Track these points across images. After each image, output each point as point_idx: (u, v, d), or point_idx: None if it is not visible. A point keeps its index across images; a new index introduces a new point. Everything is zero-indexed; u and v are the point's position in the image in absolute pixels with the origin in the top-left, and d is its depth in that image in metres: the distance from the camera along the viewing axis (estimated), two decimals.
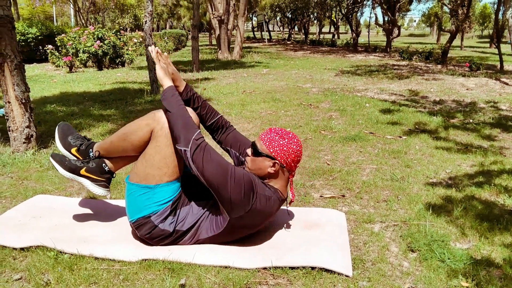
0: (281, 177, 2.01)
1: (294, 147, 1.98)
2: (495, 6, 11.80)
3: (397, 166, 3.28)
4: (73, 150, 2.20)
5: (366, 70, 10.45)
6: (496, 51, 11.13)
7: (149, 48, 2.17)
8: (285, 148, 1.96)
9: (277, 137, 1.97)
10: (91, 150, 2.18)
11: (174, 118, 1.93)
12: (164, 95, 2.01)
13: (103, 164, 2.15)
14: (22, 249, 1.98)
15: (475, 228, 2.25)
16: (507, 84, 7.99)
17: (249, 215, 1.90)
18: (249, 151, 2.04)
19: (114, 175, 2.22)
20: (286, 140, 1.97)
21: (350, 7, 22.70)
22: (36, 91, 6.99)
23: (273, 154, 1.96)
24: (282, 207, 2.22)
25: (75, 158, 2.18)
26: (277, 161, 1.96)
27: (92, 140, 2.29)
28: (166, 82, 2.07)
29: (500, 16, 10.98)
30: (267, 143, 1.97)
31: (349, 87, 7.55)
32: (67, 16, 36.47)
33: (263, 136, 2.00)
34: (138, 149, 2.05)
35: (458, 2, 12.25)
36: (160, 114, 2.01)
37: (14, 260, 1.92)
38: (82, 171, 2.12)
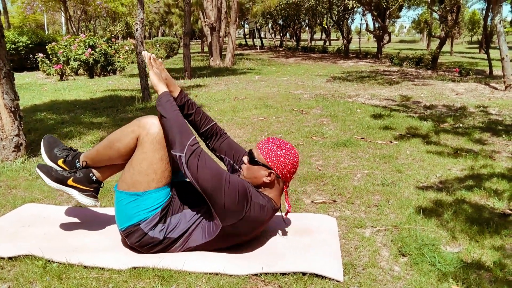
0: (276, 187, 2.01)
1: (291, 158, 1.97)
2: (484, 12, 11.94)
3: (388, 171, 3.29)
4: (60, 161, 2.17)
5: (357, 76, 10.51)
6: (485, 56, 11.26)
7: (143, 53, 2.15)
8: (282, 159, 1.96)
9: (275, 147, 1.97)
10: (77, 160, 2.16)
11: (169, 123, 1.92)
12: (159, 101, 2.00)
13: (91, 174, 2.13)
14: (10, 258, 1.96)
15: (465, 231, 2.26)
16: (496, 89, 8.08)
17: (242, 223, 1.89)
18: (245, 159, 2.03)
19: (102, 185, 2.19)
20: (284, 150, 1.97)
21: (341, 14, 22.87)
22: (27, 100, 6.95)
23: (270, 164, 1.95)
24: (277, 215, 2.21)
25: (62, 169, 2.16)
26: (273, 171, 1.96)
27: (79, 150, 2.27)
28: (160, 88, 2.06)
29: (489, 22, 11.10)
30: (265, 153, 1.96)
31: (340, 93, 7.59)
32: (59, 24, 36.39)
33: (260, 145, 2.00)
34: (125, 157, 2.03)
35: (447, 8, 12.39)
36: (145, 120, 1.99)
37: (2, 269, 1.90)
38: (69, 181, 2.09)
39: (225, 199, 1.83)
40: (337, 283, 1.80)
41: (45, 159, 2.19)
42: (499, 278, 1.83)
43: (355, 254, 2.06)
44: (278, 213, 2.22)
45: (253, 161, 1.99)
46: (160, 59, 2.17)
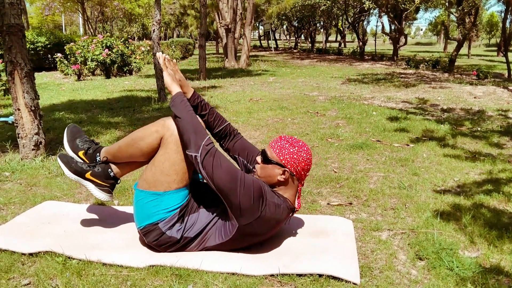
0: (291, 186, 2.01)
1: (304, 155, 1.97)
2: (503, 14, 11.78)
3: (405, 174, 3.27)
4: (81, 153, 2.20)
5: (372, 78, 10.45)
6: (503, 59, 11.10)
7: (157, 54, 2.17)
8: (295, 156, 1.95)
9: (287, 145, 1.97)
10: (98, 154, 2.19)
11: (184, 124, 1.93)
12: (173, 102, 2.02)
13: (109, 170, 2.16)
14: (30, 254, 2.00)
15: (483, 236, 2.24)
16: None
17: (258, 223, 1.90)
18: (258, 158, 2.03)
19: (118, 181, 2.22)
20: (296, 148, 1.97)
21: (356, 16, 22.75)
22: (45, 99, 7.06)
23: (283, 162, 1.95)
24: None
25: (82, 161, 2.20)
26: (287, 169, 1.96)
27: (100, 144, 2.30)
28: (174, 89, 2.08)
29: (507, 24, 10.97)
30: (277, 151, 1.96)
31: (356, 95, 7.56)
32: (76, 25, 36.91)
33: (273, 144, 2.00)
34: (147, 156, 2.06)
35: (465, 10, 12.24)
36: (170, 122, 2.01)
37: (23, 265, 1.93)
38: (87, 175, 2.13)
39: (240, 198, 1.84)
40: (354, 285, 1.79)
41: (66, 148, 2.23)
42: None
43: (372, 257, 2.05)
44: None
45: (266, 160, 1.99)
46: (174, 60, 2.20)
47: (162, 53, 2.16)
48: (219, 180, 1.84)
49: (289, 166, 1.96)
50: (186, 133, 1.92)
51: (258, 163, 2.03)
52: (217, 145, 2.32)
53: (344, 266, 1.89)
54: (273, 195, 1.94)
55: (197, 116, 2.07)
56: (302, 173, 1.99)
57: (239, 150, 2.28)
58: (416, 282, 1.84)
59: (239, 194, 1.83)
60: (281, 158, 1.96)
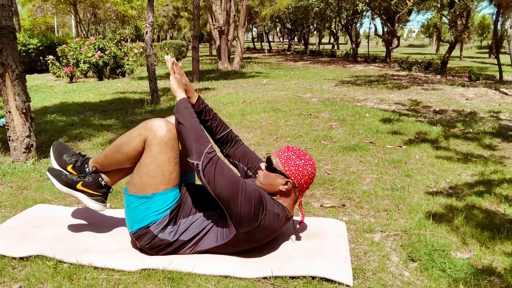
0: (291, 197, 2.02)
1: (310, 169, 1.98)
2: (494, 16, 11.89)
3: (397, 175, 3.28)
4: (69, 167, 2.18)
5: (365, 80, 10.49)
6: (495, 61, 11.19)
7: (166, 57, 2.15)
8: (300, 169, 1.96)
9: (294, 157, 1.97)
10: (86, 165, 2.18)
11: (187, 130, 1.92)
12: (177, 108, 2.01)
13: (100, 179, 2.14)
14: (21, 258, 1.98)
15: (476, 237, 2.25)
16: (506, 94, 8.02)
17: (256, 231, 1.90)
18: (263, 165, 2.03)
19: (110, 190, 2.21)
20: (303, 161, 1.97)
21: (349, 18, 22.84)
22: (37, 101, 7.01)
23: (288, 173, 1.96)
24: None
25: (71, 174, 2.18)
26: (290, 180, 1.96)
27: (88, 152, 2.28)
28: (179, 94, 2.07)
29: (499, 26, 11.06)
30: (283, 161, 1.97)
31: (349, 97, 7.58)
32: (68, 27, 36.74)
33: (280, 153, 2.00)
34: (133, 160, 2.04)
35: (457, 13, 12.33)
36: (151, 123, 2.00)
37: (13, 269, 1.91)
38: (79, 186, 2.11)
39: (241, 207, 1.83)
40: (347, 287, 1.79)
41: (54, 165, 2.21)
42: (510, 285, 1.82)
43: (365, 258, 2.05)
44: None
45: (271, 168, 1.99)
46: (180, 64, 2.18)
47: (170, 56, 2.14)
48: (220, 188, 1.83)
49: (292, 178, 1.96)
50: (188, 140, 1.91)
51: (262, 170, 2.03)
52: (218, 151, 2.32)
53: (337, 268, 1.89)
54: (273, 204, 1.95)
55: (200, 122, 2.06)
56: (305, 186, 2.01)
57: (239, 157, 2.29)
58: (409, 283, 1.85)
59: (239, 203, 1.83)
60: (286, 169, 1.96)
